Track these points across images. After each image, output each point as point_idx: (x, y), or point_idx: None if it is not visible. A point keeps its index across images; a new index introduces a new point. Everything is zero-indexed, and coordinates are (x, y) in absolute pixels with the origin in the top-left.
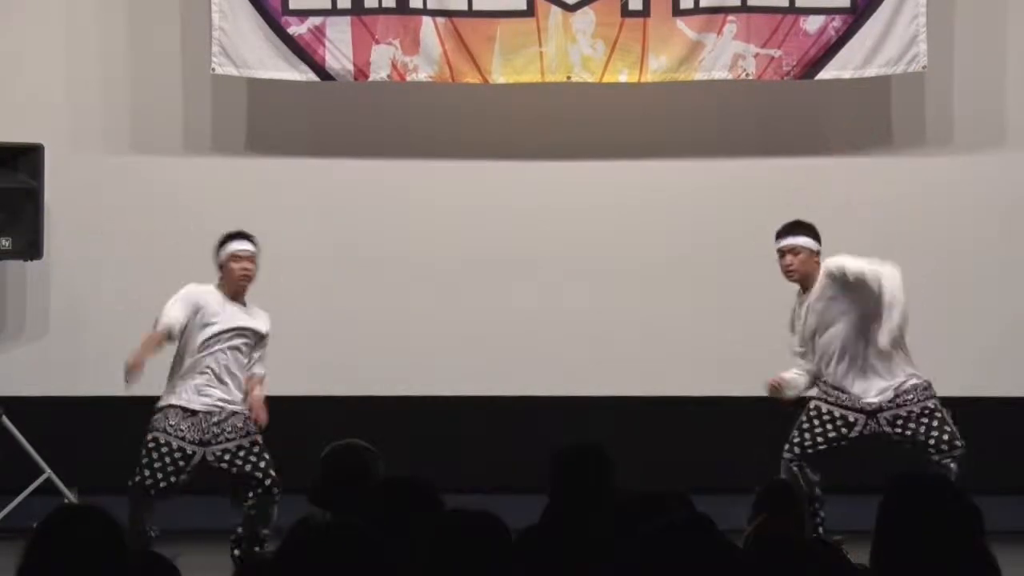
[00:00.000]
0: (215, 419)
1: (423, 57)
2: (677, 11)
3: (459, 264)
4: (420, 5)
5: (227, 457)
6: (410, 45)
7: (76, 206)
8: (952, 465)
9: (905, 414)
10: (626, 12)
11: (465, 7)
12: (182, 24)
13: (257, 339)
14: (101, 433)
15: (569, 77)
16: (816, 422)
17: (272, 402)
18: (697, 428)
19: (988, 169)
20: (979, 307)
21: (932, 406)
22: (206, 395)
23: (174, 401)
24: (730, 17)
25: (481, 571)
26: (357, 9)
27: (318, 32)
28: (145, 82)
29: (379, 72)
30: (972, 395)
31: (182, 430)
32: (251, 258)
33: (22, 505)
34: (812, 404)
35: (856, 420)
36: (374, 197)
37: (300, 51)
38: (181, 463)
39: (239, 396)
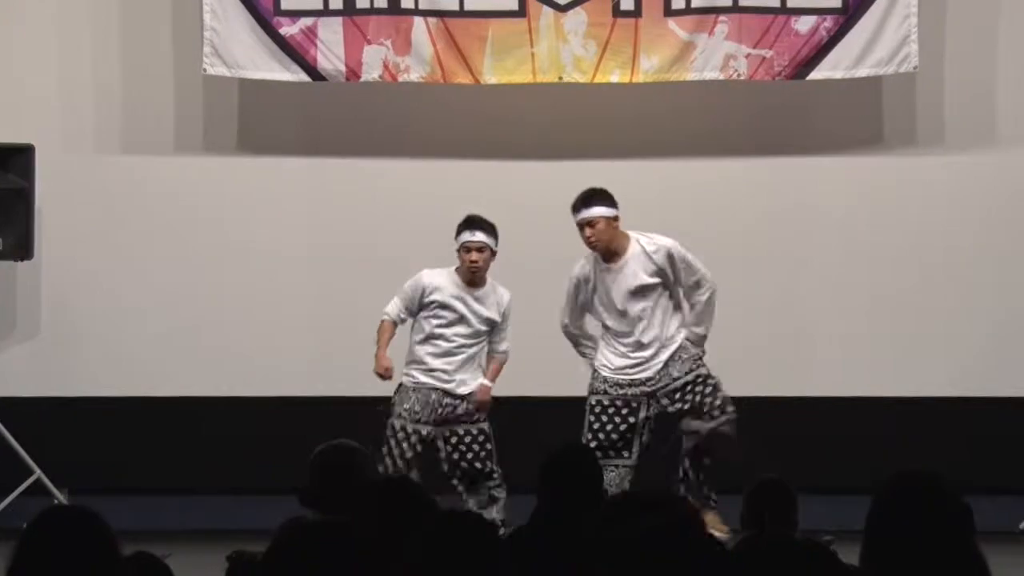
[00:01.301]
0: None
1: (415, 57)
2: (669, 11)
3: (454, 263)
4: (412, 5)
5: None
6: (402, 45)
7: (67, 206)
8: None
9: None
10: (617, 12)
11: (456, 7)
12: (173, 24)
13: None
14: (91, 434)
15: (561, 77)
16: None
17: (269, 402)
18: None
19: (979, 169)
20: (971, 307)
21: None
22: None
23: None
24: (721, 17)
25: (470, 571)
26: (349, 10)
27: (310, 32)
28: (136, 82)
29: (371, 72)
30: (962, 395)
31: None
32: (480, 248)
33: (12, 505)
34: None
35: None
36: (366, 197)
37: (292, 51)
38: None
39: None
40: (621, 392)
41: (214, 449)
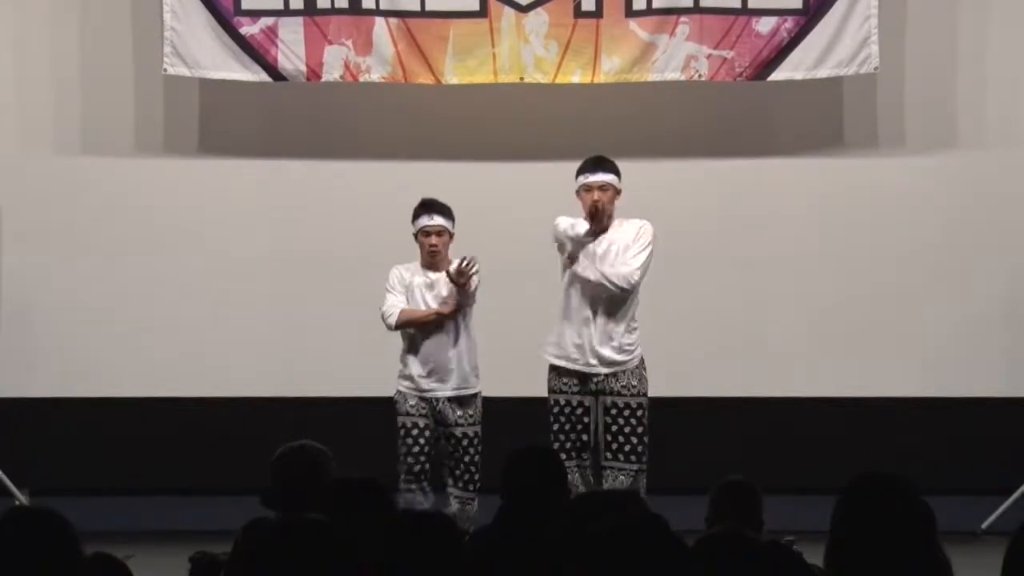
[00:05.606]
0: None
1: (376, 58)
2: (630, 12)
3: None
4: (373, 5)
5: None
6: (363, 46)
7: (26, 207)
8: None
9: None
10: (579, 13)
11: (417, 7)
12: (134, 24)
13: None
14: (53, 434)
15: (522, 78)
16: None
17: (230, 403)
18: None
19: (939, 170)
20: (930, 307)
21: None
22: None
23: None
24: (683, 18)
25: (433, 571)
26: (309, 10)
27: (270, 32)
28: (96, 82)
29: (332, 73)
30: (922, 395)
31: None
32: (439, 232)
33: None
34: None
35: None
36: (327, 198)
37: (252, 51)
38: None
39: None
40: (575, 390)
41: (176, 450)
